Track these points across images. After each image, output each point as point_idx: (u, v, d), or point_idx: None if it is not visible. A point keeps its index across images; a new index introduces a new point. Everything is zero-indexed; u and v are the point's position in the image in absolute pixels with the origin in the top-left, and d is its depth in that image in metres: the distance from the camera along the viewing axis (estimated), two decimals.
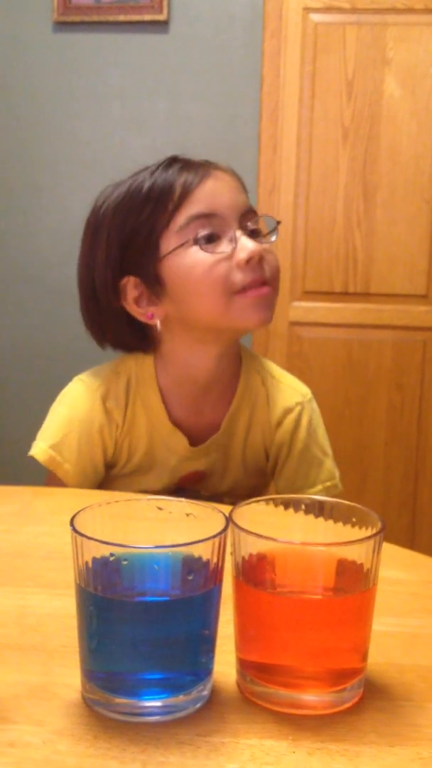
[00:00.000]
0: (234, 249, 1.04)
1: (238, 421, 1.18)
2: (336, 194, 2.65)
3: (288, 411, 1.19)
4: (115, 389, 1.15)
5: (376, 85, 2.59)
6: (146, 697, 0.57)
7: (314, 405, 1.22)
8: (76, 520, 0.58)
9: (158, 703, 0.57)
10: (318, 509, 0.66)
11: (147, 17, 2.63)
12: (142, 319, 1.11)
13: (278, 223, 1.13)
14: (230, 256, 1.04)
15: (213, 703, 0.59)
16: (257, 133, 2.67)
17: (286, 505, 0.66)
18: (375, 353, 2.70)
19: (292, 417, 1.18)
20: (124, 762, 0.52)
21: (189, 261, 1.05)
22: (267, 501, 0.66)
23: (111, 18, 2.65)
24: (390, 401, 2.71)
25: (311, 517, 0.66)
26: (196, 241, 1.04)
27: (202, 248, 1.04)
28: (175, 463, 1.16)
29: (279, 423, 1.18)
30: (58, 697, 0.59)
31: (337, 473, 1.21)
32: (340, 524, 0.64)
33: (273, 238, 1.11)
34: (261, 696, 0.59)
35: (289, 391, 1.21)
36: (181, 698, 0.57)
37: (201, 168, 1.08)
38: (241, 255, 1.04)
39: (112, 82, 2.71)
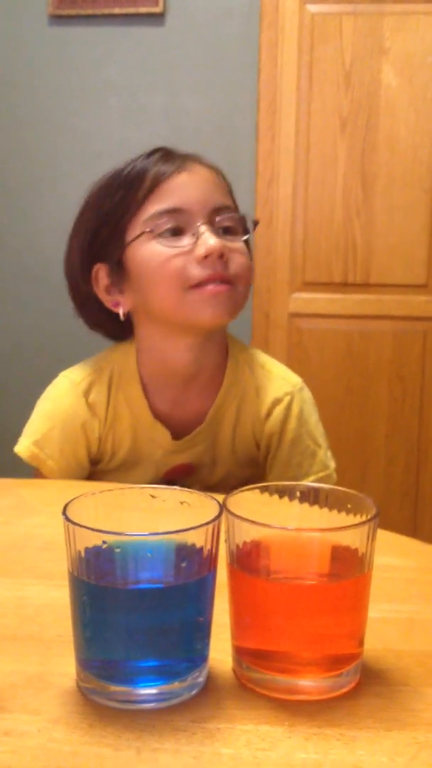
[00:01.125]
0: (195, 243, 1.03)
1: (226, 412, 1.16)
2: (335, 184, 2.64)
3: (277, 401, 1.17)
4: (98, 384, 1.14)
5: (374, 75, 2.58)
6: (141, 685, 0.57)
7: (305, 394, 1.20)
8: (69, 509, 0.58)
9: (153, 691, 0.57)
10: (313, 496, 0.66)
11: (143, 9, 2.63)
12: (110, 307, 1.12)
13: (256, 222, 1.13)
14: (190, 251, 1.03)
15: (209, 689, 0.59)
16: (255, 124, 2.66)
17: (281, 492, 0.66)
18: (375, 344, 2.69)
19: (281, 407, 1.17)
20: (119, 749, 0.52)
21: (148, 252, 1.05)
22: (261, 488, 0.66)
23: (106, 11, 2.64)
24: (391, 392, 2.71)
25: (306, 504, 0.66)
26: (158, 233, 1.04)
27: (163, 241, 1.04)
28: (160, 457, 1.15)
29: (268, 413, 1.17)
30: (54, 686, 0.60)
31: (331, 464, 1.19)
32: (335, 511, 0.64)
33: (243, 238, 1.09)
34: (257, 682, 0.59)
35: (279, 381, 1.19)
36: (176, 685, 0.57)
37: (178, 160, 1.07)
38: (199, 250, 1.02)
39: (109, 76, 2.71)
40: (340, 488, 0.65)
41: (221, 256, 1.03)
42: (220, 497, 0.62)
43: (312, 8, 2.58)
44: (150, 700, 0.57)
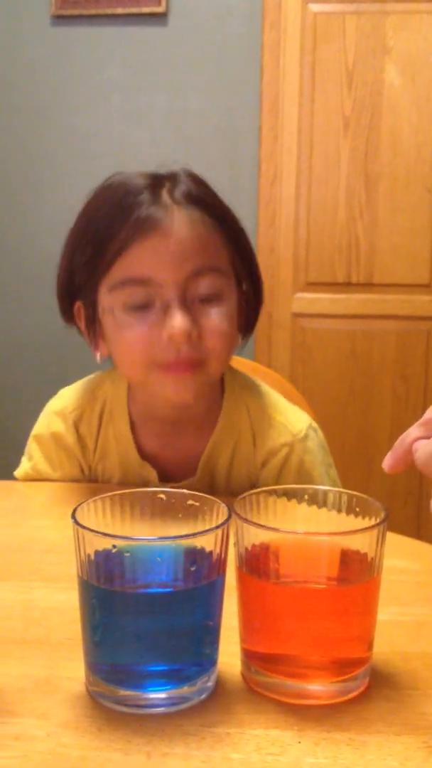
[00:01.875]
0: (162, 321, 0.93)
1: (219, 457, 1.08)
2: (338, 184, 2.64)
3: (273, 453, 1.07)
4: (89, 414, 1.11)
5: (377, 75, 2.58)
6: (151, 689, 0.57)
7: (309, 443, 1.09)
8: (78, 512, 0.58)
9: (163, 695, 0.57)
10: (321, 499, 0.65)
11: (145, 9, 2.62)
12: (89, 345, 1.05)
13: (258, 284, 1.04)
14: (156, 329, 0.94)
15: (218, 694, 0.59)
16: (258, 124, 2.66)
17: (289, 495, 0.66)
18: (379, 343, 2.69)
19: (277, 459, 1.07)
20: (129, 753, 0.52)
21: (114, 324, 0.97)
22: (270, 492, 0.65)
23: (109, 11, 2.64)
24: (394, 391, 2.70)
25: (314, 507, 0.65)
26: (123, 304, 0.95)
27: (128, 314, 0.95)
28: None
29: (264, 464, 1.08)
30: (63, 690, 0.59)
31: None
32: (343, 514, 0.64)
33: (215, 310, 0.96)
34: (266, 686, 0.59)
35: (278, 428, 1.08)
36: (185, 689, 0.57)
37: (159, 215, 0.94)
38: (163, 334, 0.93)
39: (111, 75, 2.71)
40: (348, 491, 0.65)
41: (189, 337, 0.93)
42: (229, 501, 0.61)
43: (314, 8, 2.57)
44: (159, 704, 0.57)
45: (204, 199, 0.99)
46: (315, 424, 1.13)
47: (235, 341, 1.02)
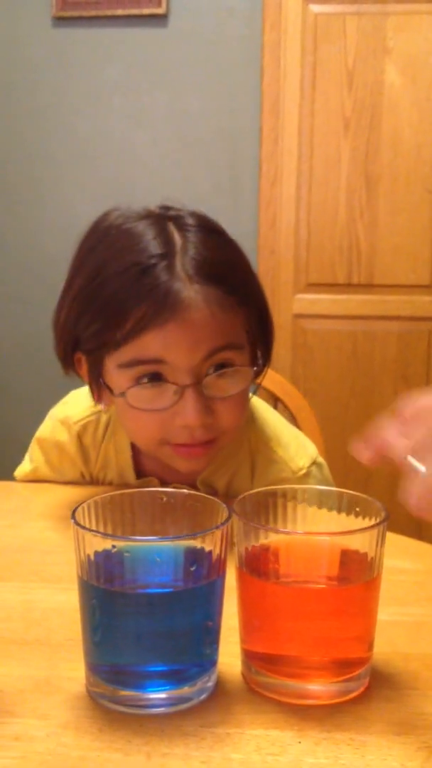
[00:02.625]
0: (176, 403, 0.90)
1: (216, 484, 1.08)
2: (338, 185, 2.64)
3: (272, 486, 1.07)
4: (94, 426, 1.10)
5: (377, 75, 2.58)
6: (151, 689, 0.57)
7: (310, 481, 1.07)
8: (78, 513, 0.58)
9: (163, 695, 0.57)
10: (321, 500, 0.65)
11: (146, 11, 2.63)
12: (91, 393, 1.00)
13: (256, 366, 0.99)
14: (170, 413, 0.90)
15: (218, 694, 0.59)
16: (258, 125, 2.66)
17: (289, 495, 0.66)
18: (380, 344, 2.69)
19: None
20: (129, 754, 0.52)
21: (126, 402, 0.92)
22: (270, 492, 0.65)
23: (110, 12, 2.64)
24: (395, 392, 2.70)
25: (314, 507, 0.65)
26: (136, 383, 0.91)
27: (141, 394, 0.90)
28: None
29: None
30: (63, 690, 0.59)
31: None
32: (343, 514, 0.64)
33: (230, 393, 0.92)
34: (266, 687, 0.59)
35: (279, 464, 1.06)
36: (185, 690, 0.57)
37: (170, 302, 0.87)
38: (178, 420, 0.90)
39: (112, 77, 2.71)
40: (348, 491, 0.65)
41: (203, 424, 0.91)
42: (229, 501, 0.61)
43: (315, 8, 2.57)
44: (159, 704, 0.57)
45: (219, 270, 0.92)
46: (321, 460, 1.11)
47: (247, 406, 1.00)
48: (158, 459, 0.98)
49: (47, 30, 2.70)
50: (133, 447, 1.08)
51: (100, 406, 1.06)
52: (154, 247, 0.89)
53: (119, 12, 2.64)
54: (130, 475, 1.09)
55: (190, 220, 0.94)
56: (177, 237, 0.91)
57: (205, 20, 2.65)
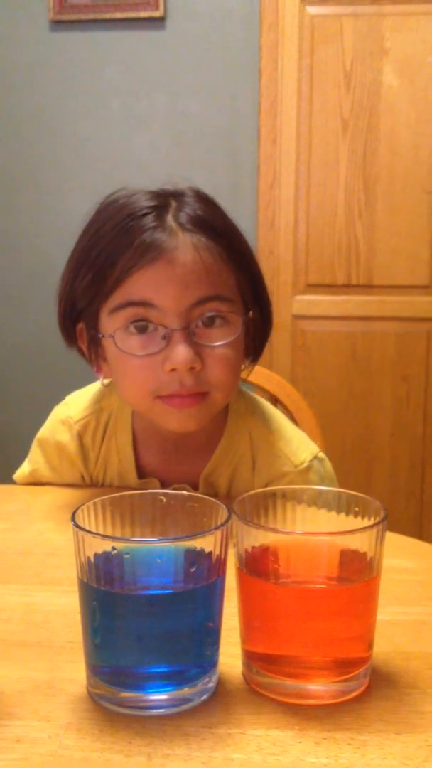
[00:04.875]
0: (165, 350, 0.91)
1: (217, 480, 1.07)
2: (336, 186, 2.64)
3: (272, 481, 1.06)
4: (94, 425, 1.10)
5: (375, 76, 2.58)
6: (152, 691, 0.57)
7: (311, 476, 1.06)
8: (77, 515, 0.58)
9: (164, 696, 0.57)
10: (321, 500, 0.66)
11: (143, 14, 2.63)
12: (91, 367, 1.04)
13: (248, 314, 0.99)
14: (159, 359, 0.92)
15: (219, 694, 0.59)
16: (256, 126, 2.66)
17: (288, 496, 0.66)
18: (379, 345, 2.69)
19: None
20: (130, 755, 0.52)
21: (117, 352, 0.94)
22: (269, 493, 0.66)
23: (107, 16, 2.64)
24: (395, 393, 2.70)
25: (314, 507, 0.66)
26: (125, 332, 0.93)
27: (131, 343, 0.93)
28: None
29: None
30: (64, 692, 0.60)
31: None
32: (342, 514, 0.64)
33: (218, 343, 0.93)
34: (267, 687, 0.59)
35: (280, 458, 1.06)
36: (186, 691, 0.57)
37: (164, 241, 0.91)
38: (166, 364, 0.91)
39: (111, 80, 2.71)
40: (347, 491, 0.65)
41: (191, 369, 0.91)
42: (229, 502, 0.62)
43: (312, 10, 2.58)
44: (160, 705, 0.57)
45: (211, 224, 0.95)
46: (322, 455, 1.11)
47: (240, 369, 1.00)
48: (152, 422, 0.98)
49: (45, 34, 2.70)
50: (135, 446, 1.08)
51: (99, 405, 1.08)
52: (147, 201, 0.94)
53: (117, 15, 2.64)
54: (131, 475, 1.08)
55: (188, 192, 0.98)
56: (173, 201, 0.96)
57: (203, 23, 2.65)
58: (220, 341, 0.94)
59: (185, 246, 0.91)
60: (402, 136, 2.59)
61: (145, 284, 0.91)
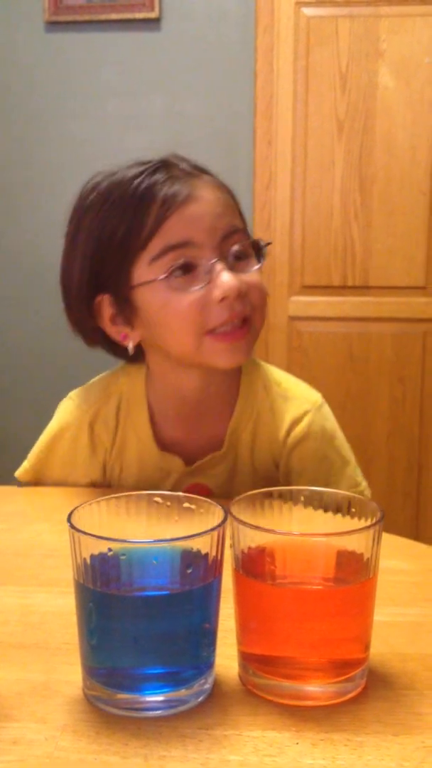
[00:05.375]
0: (210, 284, 0.96)
1: (241, 435, 1.10)
2: (332, 188, 2.65)
3: (296, 421, 1.10)
4: (105, 412, 1.11)
5: (370, 78, 2.59)
6: (148, 692, 0.57)
7: (326, 411, 1.14)
8: (74, 516, 0.58)
9: (160, 698, 0.57)
10: (317, 500, 0.66)
11: (139, 15, 2.63)
12: (116, 339, 1.05)
13: (267, 244, 1.05)
14: (205, 293, 0.96)
15: (215, 696, 0.59)
16: (252, 128, 2.66)
17: (285, 497, 0.66)
18: (375, 346, 2.69)
19: (301, 427, 1.10)
20: (127, 757, 0.52)
21: (161, 297, 0.97)
22: (266, 494, 0.65)
23: (103, 17, 2.64)
24: (391, 394, 2.71)
25: (310, 508, 0.66)
26: (169, 275, 0.96)
27: (176, 284, 0.96)
28: (174, 481, 1.10)
29: (288, 434, 1.10)
30: (60, 694, 0.59)
31: (362, 481, 1.12)
32: (339, 515, 0.64)
33: (255, 267, 1.01)
34: (263, 688, 0.59)
35: (296, 400, 1.12)
36: (182, 692, 0.57)
37: (184, 186, 0.97)
38: (216, 293, 0.95)
39: (106, 81, 2.71)
40: (344, 492, 0.65)
41: (239, 293, 0.96)
42: (225, 503, 0.62)
43: (307, 11, 2.58)
44: (156, 707, 0.57)
45: (208, 170, 1.04)
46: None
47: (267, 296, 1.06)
48: (199, 364, 1.01)
49: (40, 35, 2.70)
50: (152, 421, 1.09)
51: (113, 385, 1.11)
52: (140, 167, 1.00)
53: (112, 16, 2.64)
54: (152, 450, 1.09)
55: (174, 155, 1.05)
56: (160, 162, 1.02)
57: (198, 24, 2.65)
58: (250, 267, 1.01)
59: (204, 185, 1.00)
60: (398, 137, 2.60)
61: (180, 226, 0.96)
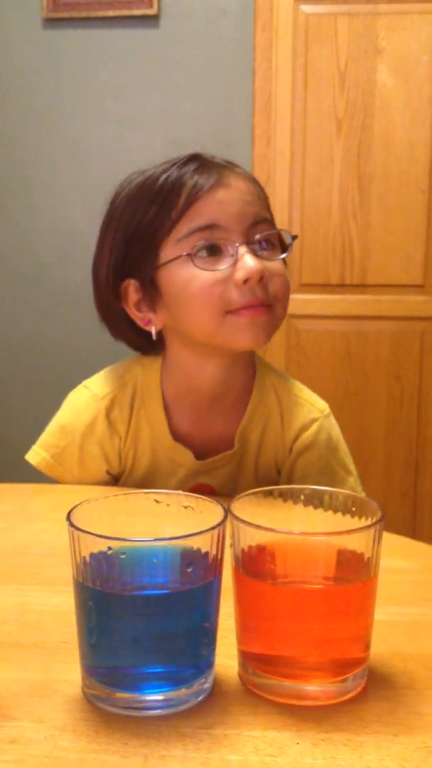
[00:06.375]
0: (234, 266, 0.98)
1: (250, 436, 1.12)
2: (331, 186, 2.64)
3: (304, 428, 1.12)
4: (120, 400, 1.11)
5: (369, 75, 2.58)
6: (148, 691, 0.57)
7: (332, 421, 1.16)
8: (73, 515, 0.58)
9: (160, 697, 0.57)
10: (317, 500, 0.65)
11: (137, 12, 2.63)
12: (140, 324, 1.07)
13: (294, 237, 1.07)
14: (229, 275, 0.98)
15: (215, 695, 0.59)
16: (250, 126, 2.66)
17: (285, 496, 0.66)
18: (373, 344, 2.69)
19: (308, 434, 1.12)
20: (126, 756, 0.52)
21: (185, 274, 0.99)
22: (266, 492, 0.65)
23: (101, 13, 2.64)
24: (389, 392, 2.71)
25: (310, 507, 0.65)
26: (194, 255, 0.98)
27: (200, 263, 0.99)
28: (182, 476, 1.11)
29: (295, 439, 1.12)
30: (59, 693, 0.59)
31: (362, 493, 1.10)
32: (339, 514, 0.64)
33: (281, 256, 1.03)
34: (263, 687, 0.59)
35: (307, 407, 1.14)
36: (182, 691, 0.57)
37: (214, 173, 1.01)
38: (239, 274, 0.97)
39: (104, 78, 2.71)
40: (344, 491, 0.65)
41: (261, 279, 0.98)
42: (225, 502, 0.61)
43: (306, 9, 2.58)
44: (156, 706, 0.56)
45: (238, 165, 1.07)
46: None
47: (290, 288, 1.07)
48: (219, 345, 1.02)
49: (38, 31, 2.69)
50: (166, 412, 1.10)
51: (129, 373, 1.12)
52: (179, 158, 1.04)
53: (110, 13, 2.64)
54: (165, 439, 1.10)
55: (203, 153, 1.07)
56: (192, 156, 1.05)
57: (197, 21, 2.65)
58: (276, 256, 1.03)
59: (233, 175, 1.02)
60: (396, 135, 2.60)
61: (208, 209, 0.99)
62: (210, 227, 0.98)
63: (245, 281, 0.97)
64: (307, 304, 2.69)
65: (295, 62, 2.60)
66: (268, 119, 2.64)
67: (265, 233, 1.02)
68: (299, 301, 2.69)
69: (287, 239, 1.06)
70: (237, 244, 0.99)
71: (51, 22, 2.68)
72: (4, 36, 2.71)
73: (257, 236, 1.01)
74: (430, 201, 2.62)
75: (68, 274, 2.60)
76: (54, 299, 2.66)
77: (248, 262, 0.97)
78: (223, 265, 0.98)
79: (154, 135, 2.69)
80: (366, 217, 2.64)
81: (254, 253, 0.99)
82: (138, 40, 2.67)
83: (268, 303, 1.00)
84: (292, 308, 2.85)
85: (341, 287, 2.68)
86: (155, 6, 2.62)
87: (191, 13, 2.64)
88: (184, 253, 0.99)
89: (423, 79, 2.56)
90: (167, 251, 1.01)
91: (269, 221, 1.04)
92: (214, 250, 0.99)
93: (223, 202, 0.99)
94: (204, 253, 0.99)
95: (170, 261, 1.00)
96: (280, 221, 2.66)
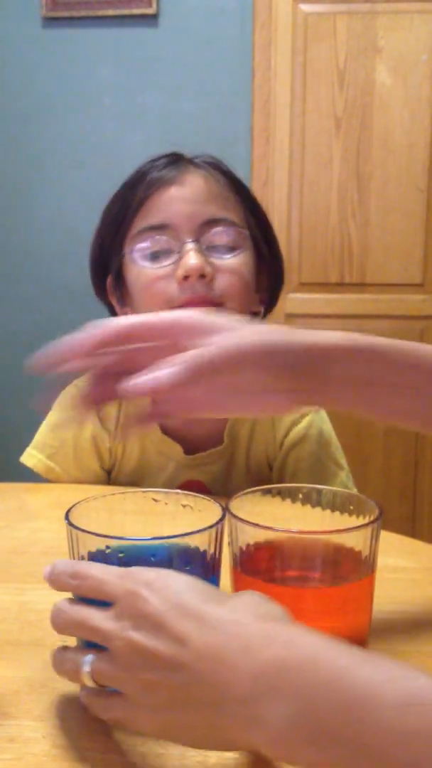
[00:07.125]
0: (177, 264, 1.00)
1: (239, 432, 1.12)
2: (330, 185, 2.64)
3: (294, 423, 1.12)
4: None
5: (368, 74, 2.58)
6: None
7: (324, 416, 1.16)
8: (72, 513, 0.58)
9: None
10: (315, 498, 0.65)
11: (136, 11, 2.62)
12: (119, 311, 1.11)
13: (248, 234, 1.06)
14: (172, 270, 1.00)
15: None
16: (249, 125, 2.66)
17: (284, 494, 0.66)
18: None
19: (300, 428, 1.12)
20: (125, 755, 0.52)
21: (134, 272, 1.03)
22: (264, 491, 0.65)
23: (100, 12, 2.64)
24: None
25: (308, 506, 0.65)
26: (143, 252, 1.02)
27: (147, 260, 1.01)
28: (172, 471, 1.11)
29: (285, 435, 1.12)
30: (58, 692, 0.59)
31: (353, 488, 1.12)
32: (337, 513, 0.64)
33: (228, 256, 1.02)
34: None
35: None
36: None
37: (173, 171, 1.03)
38: (179, 271, 0.99)
39: (103, 77, 2.70)
40: (342, 490, 0.65)
41: (203, 276, 0.98)
42: (223, 500, 0.61)
43: (305, 8, 2.58)
44: None
45: (220, 166, 1.08)
46: None
47: (251, 289, 1.06)
48: None
49: (37, 30, 2.69)
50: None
51: None
52: (161, 155, 1.07)
53: (109, 12, 2.63)
54: (154, 431, 1.10)
55: (204, 154, 1.11)
56: (187, 155, 1.08)
57: (196, 20, 2.65)
58: (230, 254, 1.02)
59: (195, 175, 1.04)
60: (395, 134, 2.60)
61: (160, 207, 1.01)
62: (160, 227, 1.01)
63: (185, 278, 0.98)
64: (306, 304, 2.69)
65: (294, 61, 2.60)
66: (267, 118, 2.64)
67: (218, 233, 1.02)
68: (298, 301, 2.69)
69: (246, 237, 1.05)
70: (185, 242, 1.00)
71: (50, 21, 2.67)
72: (4, 35, 2.71)
73: (210, 233, 1.01)
74: (429, 200, 2.62)
75: (68, 273, 2.61)
76: (52, 297, 2.66)
77: (190, 259, 0.98)
78: (167, 262, 1.01)
79: (153, 133, 2.69)
80: (365, 215, 2.64)
81: (201, 250, 1.00)
82: (137, 39, 2.67)
83: (213, 301, 0.99)
84: (291, 307, 2.83)
85: (340, 286, 2.68)
86: (154, 5, 2.61)
87: (190, 12, 2.64)
88: (133, 250, 1.02)
89: (422, 78, 2.56)
90: (126, 247, 1.04)
91: (227, 221, 1.03)
92: (162, 250, 1.01)
93: (174, 201, 1.01)
94: (152, 252, 1.01)
95: (123, 257, 1.04)
96: (279, 220, 2.66)
